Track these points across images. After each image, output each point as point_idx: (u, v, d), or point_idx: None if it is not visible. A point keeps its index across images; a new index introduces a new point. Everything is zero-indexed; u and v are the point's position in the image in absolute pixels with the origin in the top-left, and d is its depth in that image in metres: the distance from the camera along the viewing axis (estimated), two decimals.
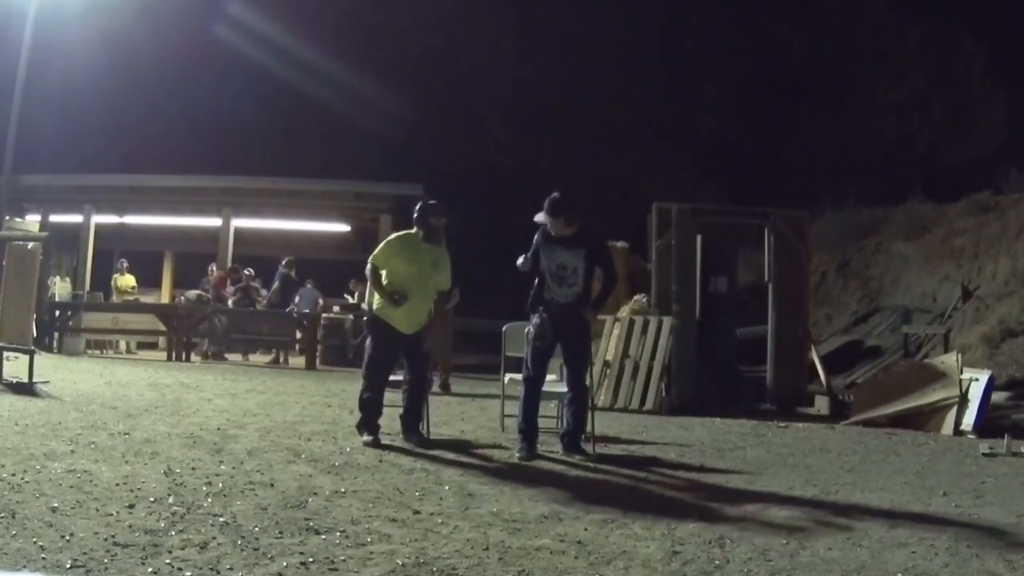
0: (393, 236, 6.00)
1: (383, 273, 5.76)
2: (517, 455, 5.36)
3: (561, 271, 5.28)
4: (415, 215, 5.81)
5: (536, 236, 5.40)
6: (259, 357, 14.08)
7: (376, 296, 5.81)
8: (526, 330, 5.50)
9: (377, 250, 5.88)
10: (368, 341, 6.05)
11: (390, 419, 5.97)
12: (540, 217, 5.30)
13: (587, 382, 5.59)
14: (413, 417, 5.80)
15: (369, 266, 5.84)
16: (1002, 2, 20.62)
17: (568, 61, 23.70)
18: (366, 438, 5.62)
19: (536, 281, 5.44)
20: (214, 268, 14.29)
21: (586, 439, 5.80)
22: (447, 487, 4.42)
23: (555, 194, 5.33)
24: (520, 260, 5.40)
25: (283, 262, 13.83)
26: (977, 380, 7.63)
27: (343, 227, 16.10)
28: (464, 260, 6.05)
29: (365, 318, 6.01)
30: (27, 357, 7.49)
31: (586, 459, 5.40)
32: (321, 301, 13.92)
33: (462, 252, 6.10)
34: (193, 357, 12.75)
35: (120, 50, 20.42)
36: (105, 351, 13.65)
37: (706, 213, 10.08)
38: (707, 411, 8.37)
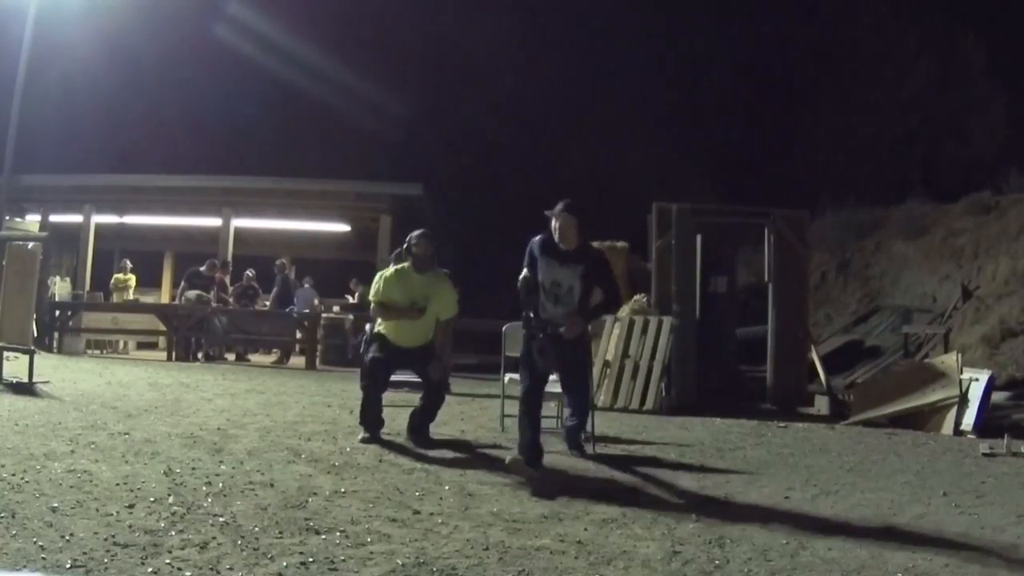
0: (387, 270, 6.11)
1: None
2: (517, 462, 4.74)
3: (556, 288, 4.84)
4: (404, 247, 6.02)
5: (530, 247, 4.93)
6: (260, 357, 14.09)
7: (380, 322, 5.94)
8: (522, 351, 4.97)
9: (373, 288, 6.02)
10: (363, 347, 6.24)
11: (392, 418, 5.98)
12: (551, 213, 4.85)
13: (589, 401, 5.50)
14: (424, 417, 5.85)
15: (372, 306, 5.98)
16: (1002, 2, 20.64)
17: (568, 61, 23.73)
18: (363, 435, 5.71)
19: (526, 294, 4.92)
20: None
21: (586, 439, 5.81)
22: (447, 487, 4.42)
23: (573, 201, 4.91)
24: (522, 277, 4.93)
25: (278, 264, 13.83)
26: (977, 380, 7.63)
27: (343, 227, 16.10)
28: (464, 260, 6.06)
29: (365, 338, 6.14)
30: (27, 357, 7.49)
31: (582, 456, 5.38)
32: (317, 301, 13.93)
33: (462, 252, 6.12)
34: (199, 356, 12.74)
35: (120, 50, 20.44)
36: (105, 351, 13.65)
37: (706, 213, 10.07)
38: (707, 411, 8.37)
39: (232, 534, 3.31)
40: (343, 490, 4.20)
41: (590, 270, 4.83)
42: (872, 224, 15.97)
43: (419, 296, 5.81)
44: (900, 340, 11.41)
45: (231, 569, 2.91)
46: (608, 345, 9.09)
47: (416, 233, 5.92)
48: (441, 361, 5.91)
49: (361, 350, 6.31)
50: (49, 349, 12.23)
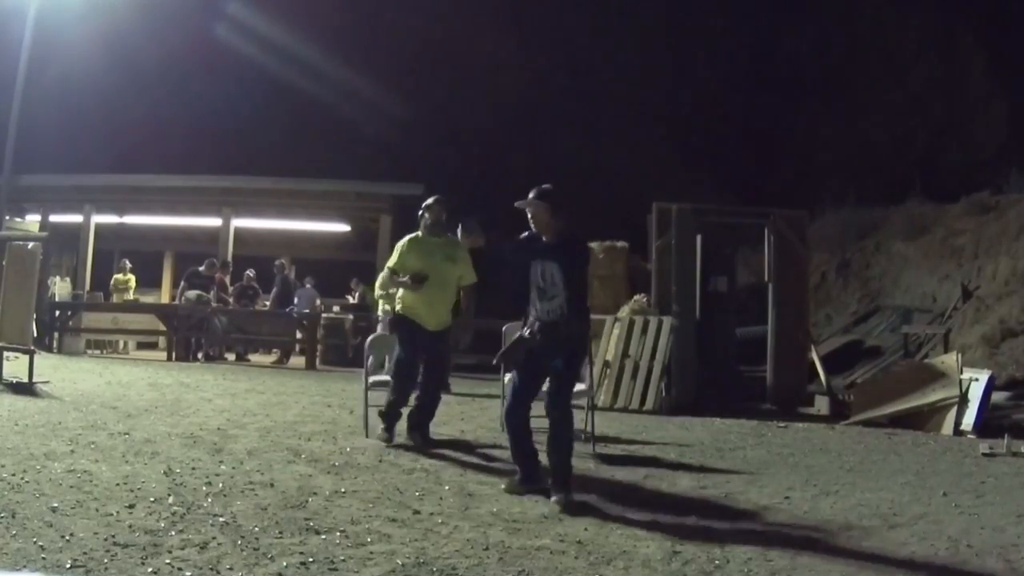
0: (403, 239, 6.01)
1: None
2: (516, 486, 4.43)
3: (542, 282, 4.51)
4: (419, 214, 5.96)
5: (524, 238, 4.65)
6: (260, 357, 14.09)
7: (399, 299, 5.85)
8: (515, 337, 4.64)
9: (391, 257, 5.96)
10: (369, 343, 6.25)
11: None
12: (522, 204, 4.59)
13: (571, 408, 4.62)
14: (423, 416, 5.84)
15: (386, 272, 5.93)
16: (1002, 2, 20.62)
17: (568, 61, 23.72)
18: (383, 434, 5.68)
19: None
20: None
21: (586, 439, 5.80)
22: (447, 487, 4.42)
23: (545, 185, 4.62)
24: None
25: (277, 264, 13.84)
26: (977, 380, 7.63)
27: (343, 227, 16.10)
28: None
29: (389, 320, 6.04)
30: (27, 357, 7.49)
31: (564, 505, 4.17)
32: (319, 301, 13.94)
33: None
34: (199, 356, 12.73)
35: (119, 50, 20.42)
36: (105, 351, 13.65)
37: (706, 213, 10.07)
38: (707, 411, 8.37)
39: (232, 534, 3.31)
40: (343, 490, 4.20)
41: (564, 257, 4.49)
42: (872, 224, 15.96)
43: (439, 259, 5.76)
44: (900, 340, 11.41)
45: (231, 569, 2.92)
46: (608, 345, 9.09)
47: (430, 200, 5.94)
48: (467, 325, 5.83)
49: (379, 330, 6.21)
50: (49, 349, 12.23)
